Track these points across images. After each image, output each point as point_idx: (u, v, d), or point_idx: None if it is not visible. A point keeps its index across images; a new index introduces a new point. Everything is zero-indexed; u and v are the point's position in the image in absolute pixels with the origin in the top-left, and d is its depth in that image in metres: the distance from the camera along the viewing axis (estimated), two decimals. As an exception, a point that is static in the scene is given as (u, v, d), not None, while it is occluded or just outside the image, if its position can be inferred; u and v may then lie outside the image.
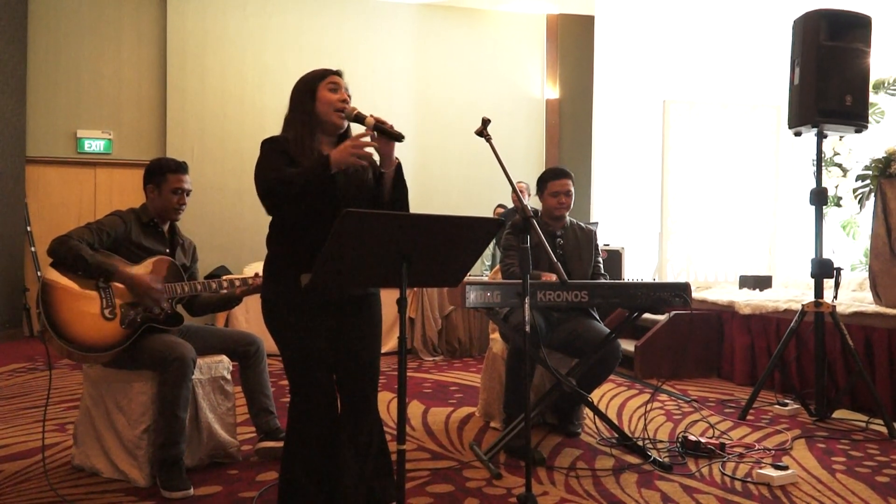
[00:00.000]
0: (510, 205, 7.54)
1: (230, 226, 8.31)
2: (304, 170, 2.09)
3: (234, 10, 8.45)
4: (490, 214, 7.27)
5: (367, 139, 2.11)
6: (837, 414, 4.08)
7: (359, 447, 2.27)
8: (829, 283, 4.11)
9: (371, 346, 2.35)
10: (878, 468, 3.10)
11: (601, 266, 3.79)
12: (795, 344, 4.52)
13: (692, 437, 3.29)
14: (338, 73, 2.31)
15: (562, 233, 3.72)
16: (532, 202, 6.83)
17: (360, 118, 2.21)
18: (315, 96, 2.25)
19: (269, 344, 3.28)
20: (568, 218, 3.77)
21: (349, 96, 2.29)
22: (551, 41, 9.36)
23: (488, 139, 2.43)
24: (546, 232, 3.63)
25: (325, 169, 2.06)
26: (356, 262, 1.94)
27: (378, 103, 7.87)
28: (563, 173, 3.67)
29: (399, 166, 2.28)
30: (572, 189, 3.68)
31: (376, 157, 2.27)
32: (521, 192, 6.93)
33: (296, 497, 2.19)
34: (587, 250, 3.74)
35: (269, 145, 2.21)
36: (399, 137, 2.19)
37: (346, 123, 2.29)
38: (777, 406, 4.24)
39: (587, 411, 3.73)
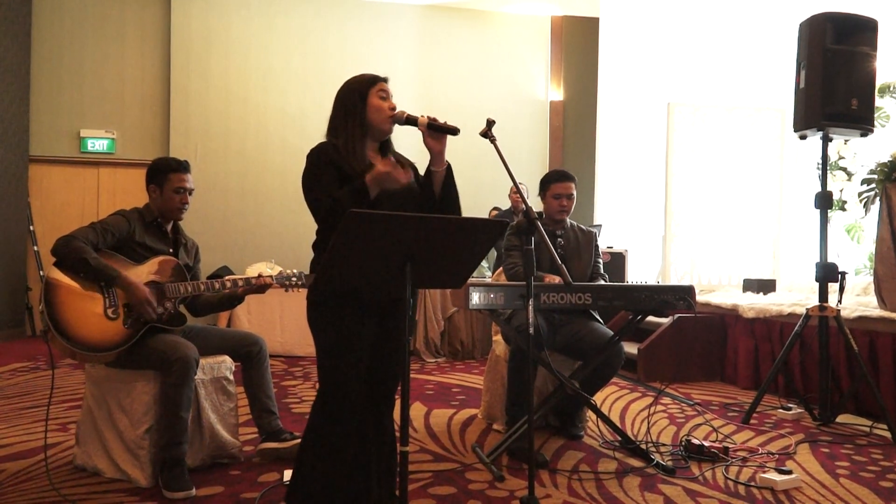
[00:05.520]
0: (504, 207, 7.54)
1: (232, 226, 8.32)
2: (348, 196, 2.09)
3: (237, 10, 8.46)
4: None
5: (399, 171, 2.13)
6: (841, 418, 4.06)
7: (379, 451, 2.29)
8: (833, 288, 4.10)
9: (401, 354, 2.35)
10: (881, 473, 3.08)
11: (601, 266, 3.79)
12: (799, 348, 4.50)
13: (695, 441, 3.28)
14: (385, 80, 2.34)
15: (562, 233, 3.71)
16: (531, 202, 6.80)
17: (411, 121, 2.25)
18: (366, 102, 2.27)
19: (271, 345, 3.29)
20: (568, 220, 3.76)
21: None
22: (555, 43, 9.34)
23: (493, 140, 2.42)
24: (546, 233, 3.62)
25: (365, 196, 2.09)
26: (361, 262, 1.94)
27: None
28: (567, 176, 3.66)
29: (449, 167, 2.29)
30: (574, 193, 3.67)
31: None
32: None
33: (307, 498, 2.18)
34: (587, 251, 3.73)
35: (316, 158, 2.21)
36: (454, 131, 2.23)
37: (393, 129, 2.31)
38: (781, 410, 4.22)
39: (590, 414, 3.72)
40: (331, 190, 2.13)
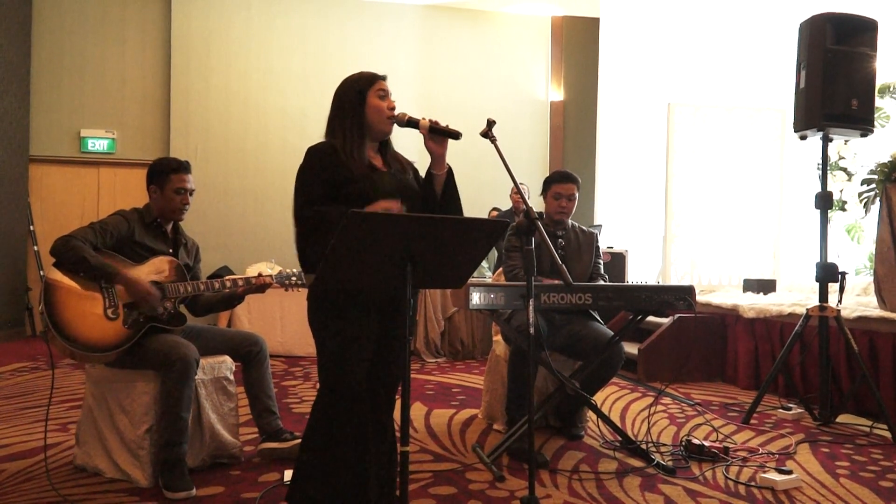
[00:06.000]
0: (504, 207, 7.54)
1: (233, 226, 8.32)
2: (338, 216, 1.98)
3: (238, 10, 8.46)
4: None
5: (395, 208, 2.11)
6: (841, 418, 4.06)
7: (380, 452, 2.29)
8: (833, 288, 4.10)
9: (402, 355, 2.34)
10: (881, 473, 3.09)
11: (601, 267, 3.79)
12: (799, 348, 4.49)
13: (696, 441, 3.28)
14: (384, 78, 2.32)
15: (563, 234, 3.71)
16: (533, 202, 6.82)
17: (412, 123, 2.26)
18: (365, 102, 2.25)
19: (271, 345, 3.29)
20: (570, 221, 3.76)
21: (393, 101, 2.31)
22: (556, 43, 9.34)
23: (493, 140, 2.42)
24: (547, 233, 3.61)
25: None
26: (361, 262, 1.94)
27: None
28: (569, 178, 3.66)
29: (450, 170, 2.30)
30: (576, 195, 3.67)
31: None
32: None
33: (307, 498, 2.18)
34: (588, 252, 3.73)
35: (313, 160, 2.19)
36: (456, 135, 2.23)
37: (393, 130, 2.30)
38: (781, 410, 4.22)
39: (590, 414, 3.72)
40: (319, 200, 2.11)
